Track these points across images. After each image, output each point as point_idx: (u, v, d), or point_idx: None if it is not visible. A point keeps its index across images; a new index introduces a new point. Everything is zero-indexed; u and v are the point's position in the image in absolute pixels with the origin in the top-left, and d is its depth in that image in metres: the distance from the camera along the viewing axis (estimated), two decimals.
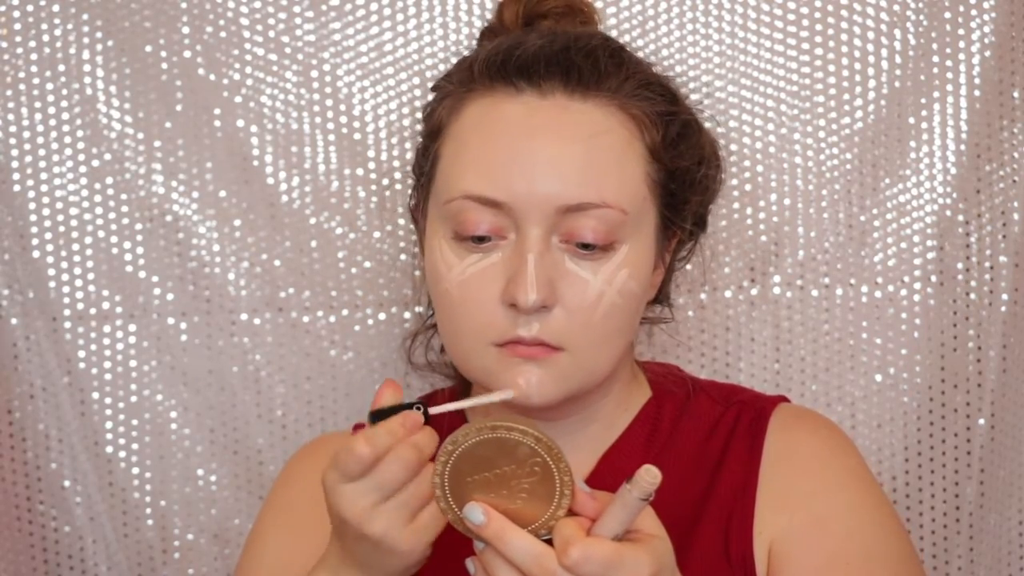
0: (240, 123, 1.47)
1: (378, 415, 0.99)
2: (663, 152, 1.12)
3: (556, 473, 0.95)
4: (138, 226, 1.48)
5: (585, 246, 1.08)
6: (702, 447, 1.19)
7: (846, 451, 1.19)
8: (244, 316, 1.49)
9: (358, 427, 1.27)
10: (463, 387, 1.26)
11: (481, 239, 1.09)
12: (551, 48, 1.11)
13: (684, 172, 1.15)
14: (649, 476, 0.92)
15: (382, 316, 1.49)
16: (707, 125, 1.22)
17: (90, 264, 1.48)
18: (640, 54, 1.21)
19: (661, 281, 1.20)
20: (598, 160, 1.09)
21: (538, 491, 0.95)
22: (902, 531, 1.18)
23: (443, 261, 1.11)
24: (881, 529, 1.15)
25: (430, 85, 1.38)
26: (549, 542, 0.95)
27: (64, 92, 1.46)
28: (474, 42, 1.44)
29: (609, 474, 1.18)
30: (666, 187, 1.14)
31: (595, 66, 1.11)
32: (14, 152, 1.46)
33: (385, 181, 1.48)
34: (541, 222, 1.07)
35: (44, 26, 1.46)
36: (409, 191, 1.49)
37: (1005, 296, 1.46)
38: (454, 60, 1.44)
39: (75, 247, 1.47)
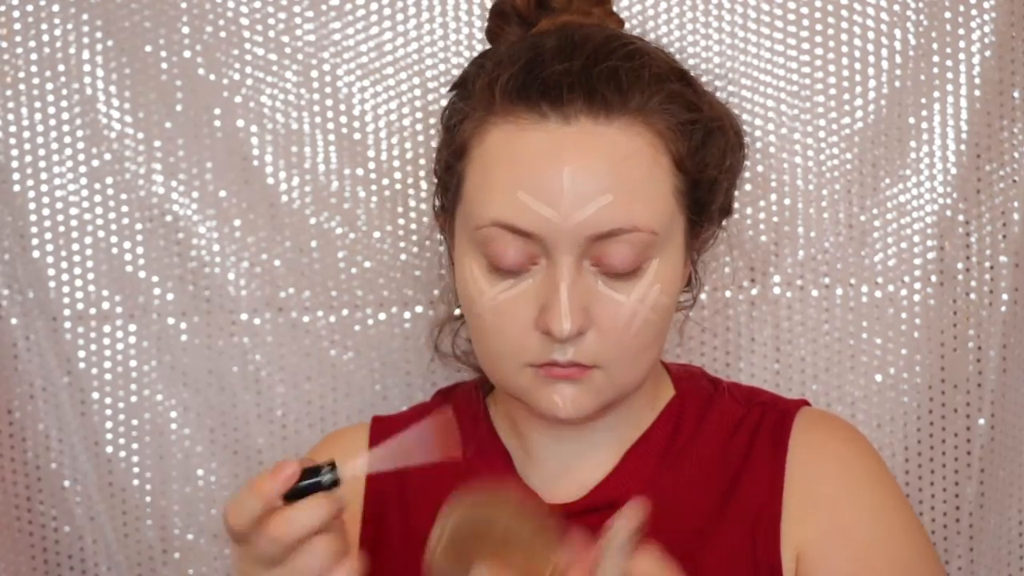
0: (240, 123, 1.47)
1: (293, 495, 0.96)
2: (689, 162, 1.12)
3: (541, 542, 0.97)
4: (138, 226, 1.48)
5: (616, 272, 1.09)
6: (724, 447, 1.19)
7: (868, 455, 1.20)
8: (244, 316, 1.49)
9: (376, 420, 1.27)
10: (487, 381, 1.26)
11: (512, 270, 1.09)
12: (571, 69, 1.09)
13: (708, 183, 1.14)
14: (622, 525, 0.94)
15: (382, 316, 1.49)
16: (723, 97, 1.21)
17: (90, 264, 1.48)
18: (689, 62, 1.21)
19: (689, 275, 1.21)
20: (626, 185, 1.08)
21: (531, 564, 0.97)
22: (925, 535, 1.18)
23: (475, 286, 1.11)
24: (905, 535, 1.15)
25: (431, 85, 1.38)
26: None
27: (64, 92, 1.46)
28: (474, 42, 1.44)
29: (631, 471, 1.18)
30: (692, 195, 1.13)
31: (618, 87, 1.09)
32: (14, 152, 1.46)
33: (385, 181, 1.48)
34: (572, 250, 1.07)
35: (44, 26, 1.46)
36: (410, 190, 1.48)
37: (1005, 296, 1.46)
38: (454, 60, 1.45)
39: (75, 247, 1.47)
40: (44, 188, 1.47)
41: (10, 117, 1.46)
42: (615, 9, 1.45)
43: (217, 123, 1.47)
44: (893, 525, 1.15)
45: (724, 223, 1.22)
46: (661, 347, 1.16)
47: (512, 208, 1.07)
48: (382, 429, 1.26)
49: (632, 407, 1.19)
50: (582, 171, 1.07)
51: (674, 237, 1.12)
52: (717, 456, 1.19)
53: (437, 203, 1.22)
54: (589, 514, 1.16)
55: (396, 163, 1.47)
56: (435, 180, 1.21)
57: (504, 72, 1.11)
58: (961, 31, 1.45)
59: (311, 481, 0.95)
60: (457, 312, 1.31)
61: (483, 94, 1.12)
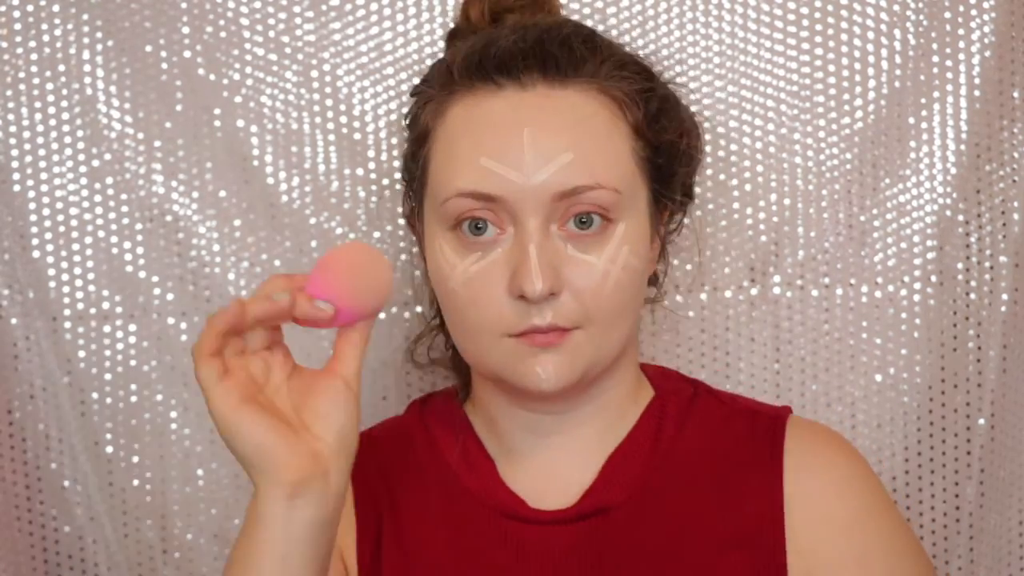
0: (240, 123, 1.47)
1: None
2: (646, 128, 1.14)
3: None
4: (138, 226, 1.48)
5: (582, 223, 1.10)
6: (710, 448, 1.19)
7: (866, 472, 1.20)
8: None
9: (364, 433, 1.27)
10: (463, 385, 1.26)
11: (479, 230, 1.10)
12: (525, 41, 1.13)
13: (669, 146, 1.17)
14: None
15: (382, 316, 1.48)
16: (683, 101, 1.24)
17: (90, 264, 1.48)
18: (640, 53, 1.23)
19: (658, 255, 1.22)
20: (586, 144, 1.10)
21: None
22: (916, 541, 1.20)
23: (446, 261, 1.12)
24: (912, 556, 1.17)
25: (410, 92, 1.39)
26: None
27: (64, 92, 1.46)
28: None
29: (618, 475, 1.18)
30: (653, 162, 1.15)
31: (571, 53, 1.12)
32: (14, 152, 1.46)
33: (385, 181, 1.48)
34: (538, 212, 1.09)
35: (44, 26, 1.46)
36: (403, 196, 1.49)
37: (1005, 296, 1.46)
38: None
39: (75, 247, 1.47)
40: (44, 188, 1.47)
41: (10, 117, 1.46)
42: (615, 9, 1.46)
43: (217, 123, 1.47)
44: (904, 549, 1.17)
45: (687, 210, 1.24)
46: (635, 320, 1.16)
47: (476, 176, 1.09)
48: (362, 441, 1.25)
49: (616, 399, 1.19)
50: (541, 131, 1.09)
51: (638, 202, 1.13)
52: (703, 456, 1.19)
53: (406, 207, 1.24)
54: (580, 521, 1.16)
55: (396, 163, 1.47)
56: (403, 183, 1.23)
57: (460, 54, 1.15)
58: (961, 31, 1.45)
59: None
60: (433, 316, 1.31)
61: (441, 77, 1.15)
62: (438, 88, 1.15)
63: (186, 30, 1.46)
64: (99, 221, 1.48)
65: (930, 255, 1.47)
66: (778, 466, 1.17)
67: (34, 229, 1.47)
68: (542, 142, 1.09)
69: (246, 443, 0.96)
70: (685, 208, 1.24)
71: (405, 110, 1.46)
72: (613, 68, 1.14)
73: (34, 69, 1.46)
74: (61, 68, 1.46)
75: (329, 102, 1.47)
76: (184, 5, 1.46)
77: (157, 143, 1.47)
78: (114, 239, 1.48)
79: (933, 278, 1.47)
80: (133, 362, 1.49)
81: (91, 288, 1.48)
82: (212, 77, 1.47)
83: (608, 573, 1.15)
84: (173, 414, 1.49)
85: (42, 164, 1.47)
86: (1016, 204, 1.45)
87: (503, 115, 1.10)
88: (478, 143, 1.10)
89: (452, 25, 1.32)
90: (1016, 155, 1.45)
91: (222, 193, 1.48)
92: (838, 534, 1.15)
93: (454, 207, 1.10)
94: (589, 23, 1.42)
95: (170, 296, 1.48)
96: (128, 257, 1.48)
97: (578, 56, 1.13)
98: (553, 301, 1.09)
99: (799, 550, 1.14)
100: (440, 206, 1.12)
